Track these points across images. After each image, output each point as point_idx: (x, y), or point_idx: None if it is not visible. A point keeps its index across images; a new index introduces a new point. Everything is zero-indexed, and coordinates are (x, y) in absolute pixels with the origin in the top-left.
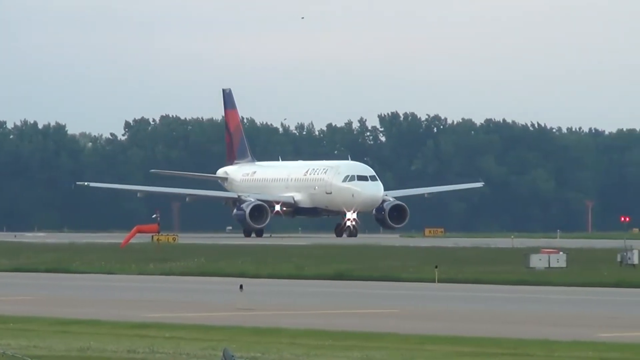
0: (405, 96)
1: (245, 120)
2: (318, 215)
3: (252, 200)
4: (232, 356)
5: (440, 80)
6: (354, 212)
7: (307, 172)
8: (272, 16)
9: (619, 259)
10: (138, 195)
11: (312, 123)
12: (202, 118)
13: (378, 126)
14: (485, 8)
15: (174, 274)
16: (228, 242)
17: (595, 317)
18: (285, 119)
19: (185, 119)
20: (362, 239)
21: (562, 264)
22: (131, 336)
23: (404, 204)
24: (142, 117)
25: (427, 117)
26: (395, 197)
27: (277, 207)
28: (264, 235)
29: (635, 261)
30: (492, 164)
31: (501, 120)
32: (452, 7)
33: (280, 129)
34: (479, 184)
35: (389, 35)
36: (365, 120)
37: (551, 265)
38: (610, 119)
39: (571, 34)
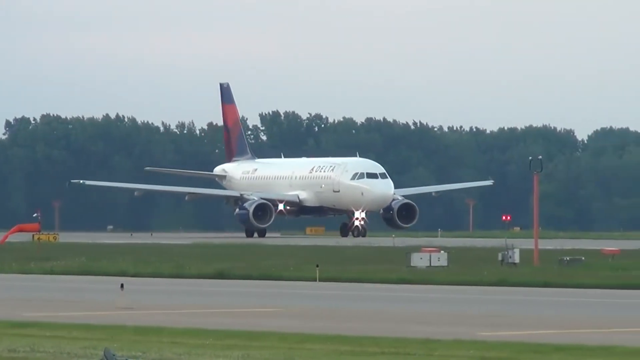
0: (286, 95)
1: (126, 120)
2: (324, 214)
3: (256, 198)
4: (113, 355)
5: (321, 79)
6: (362, 211)
7: (312, 169)
8: (138, 14)
9: (500, 258)
10: (135, 193)
11: (192, 122)
12: (83, 117)
13: (259, 125)
14: (365, 7)
15: (55, 273)
16: (110, 242)
17: (476, 316)
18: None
19: (67, 117)
20: (241, 238)
21: (443, 262)
22: (11, 335)
23: (413, 202)
24: (23, 116)
25: (308, 115)
26: (403, 196)
27: (281, 206)
28: (267, 235)
29: (516, 260)
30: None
31: (382, 119)
32: (330, 5)
33: (162, 128)
34: (489, 182)
35: (269, 34)
36: (247, 119)
37: (432, 264)
38: (491, 118)
39: (451, 33)
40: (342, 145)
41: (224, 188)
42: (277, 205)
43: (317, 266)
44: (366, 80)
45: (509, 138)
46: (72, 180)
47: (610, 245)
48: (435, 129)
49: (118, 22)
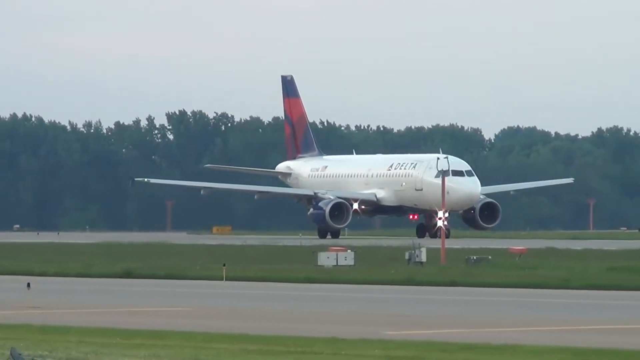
0: (193, 94)
1: (33, 119)
2: (403, 214)
3: (332, 197)
4: (20, 355)
5: (228, 78)
6: (446, 211)
7: (391, 166)
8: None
9: (407, 257)
10: (202, 192)
11: (99, 121)
12: None
13: (166, 124)
14: (273, 6)
15: None
16: (17, 241)
17: (383, 315)
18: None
19: None
20: (150, 237)
21: (350, 262)
22: None
23: (495, 201)
24: None
25: (215, 115)
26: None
27: (355, 206)
28: (340, 237)
29: (423, 259)
30: (280, 162)
31: None
32: (237, 4)
33: (69, 127)
34: (569, 180)
35: (176, 33)
36: (154, 118)
37: (339, 264)
38: (398, 118)
39: (356, 31)
40: (249, 144)
41: (287, 186)
42: (352, 205)
43: (224, 265)
44: (273, 79)
45: (416, 137)
46: (136, 179)
47: (517, 245)
48: (343, 128)
49: (16, 21)
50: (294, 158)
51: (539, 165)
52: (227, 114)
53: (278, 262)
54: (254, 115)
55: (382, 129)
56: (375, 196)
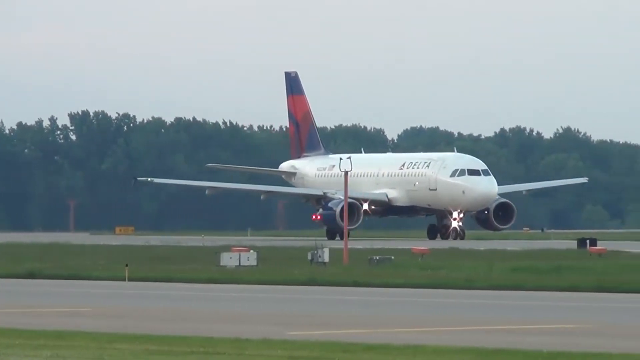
0: (95, 95)
1: None
2: (415, 214)
3: (342, 198)
4: None
5: (130, 77)
6: (461, 211)
7: (403, 165)
8: None
9: (309, 257)
10: (207, 192)
11: (2, 121)
12: None
13: (69, 125)
14: (167, 4)
15: None
16: None
17: (286, 315)
18: None
19: None
20: (53, 237)
21: (253, 262)
22: None
23: (510, 202)
24: None
25: (117, 115)
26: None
27: (365, 206)
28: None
29: (326, 259)
30: (182, 162)
31: (191, 119)
32: (139, 4)
33: None
34: (584, 180)
35: (78, 30)
36: (56, 118)
37: (242, 264)
38: None
39: (253, 32)
40: (151, 145)
41: (291, 186)
42: (361, 205)
43: (127, 266)
44: (176, 80)
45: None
46: (138, 178)
47: (420, 245)
48: (246, 129)
49: None
50: (298, 157)
51: None
52: (129, 115)
53: (181, 262)
54: (156, 116)
55: (284, 129)
56: (387, 196)
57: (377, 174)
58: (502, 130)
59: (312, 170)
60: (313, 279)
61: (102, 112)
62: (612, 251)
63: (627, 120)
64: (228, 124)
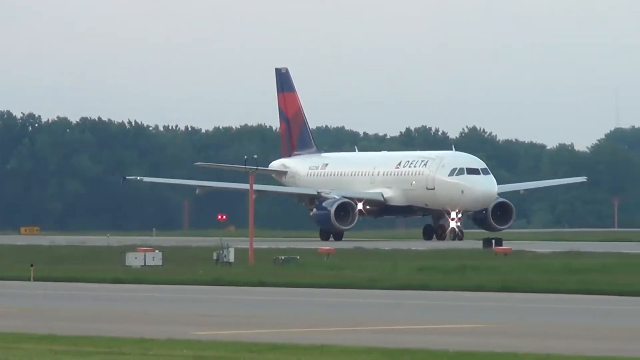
0: (0, 95)
1: None
2: (412, 214)
3: (336, 197)
4: None
5: (33, 77)
6: (459, 211)
7: (399, 164)
8: None
9: (215, 257)
10: (197, 191)
11: None
12: None
13: None
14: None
15: None
16: None
17: (191, 315)
18: None
19: None
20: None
21: (158, 262)
22: None
23: (508, 201)
24: None
25: (22, 115)
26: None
27: (360, 206)
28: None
29: (231, 259)
30: (87, 162)
31: (97, 119)
32: (57, 5)
33: None
34: (582, 179)
35: None
36: None
37: (147, 264)
38: (206, 117)
39: (168, 34)
40: (57, 145)
41: (281, 185)
42: (356, 205)
43: (32, 266)
44: (80, 80)
45: (224, 137)
46: (128, 177)
47: (325, 245)
48: (151, 128)
49: None
50: (289, 155)
51: None
52: (34, 114)
53: (87, 262)
54: (61, 116)
55: (190, 129)
56: (382, 196)
57: (372, 173)
58: (408, 129)
59: (304, 169)
60: (218, 279)
61: (7, 112)
62: (517, 251)
63: (532, 120)
64: (133, 123)
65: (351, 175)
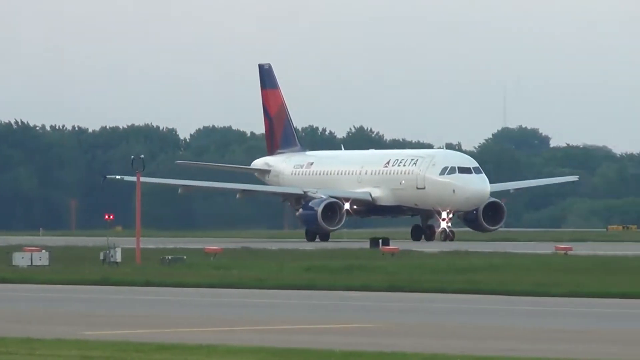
0: None
1: None
2: (401, 214)
3: (323, 197)
4: None
5: None
6: (450, 212)
7: (387, 163)
8: None
9: (102, 257)
10: (179, 191)
11: None
12: None
13: None
14: None
15: None
16: None
17: (78, 315)
18: None
19: None
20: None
21: (45, 262)
22: None
23: (500, 201)
24: None
25: None
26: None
27: (347, 206)
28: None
29: (118, 259)
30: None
31: None
32: None
33: None
34: (574, 178)
35: None
36: None
37: (34, 264)
38: (93, 117)
39: (91, 31)
40: None
41: (263, 184)
42: (343, 205)
43: None
44: None
45: (111, 137)
46: (108, 176)
47: (212, 244)
48: (38, 128)
49: None
50: (272, 154)
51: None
52: None
53: None
54: None
55: (77, 128)
56: (370, 195)
57: (359, 172)
58: (295, 129)
59: (288, 167)
60: (105, 278)
61: None
62: (404, 251)
63: (420, 120)
64: (20, 123)
65: (338, 174)
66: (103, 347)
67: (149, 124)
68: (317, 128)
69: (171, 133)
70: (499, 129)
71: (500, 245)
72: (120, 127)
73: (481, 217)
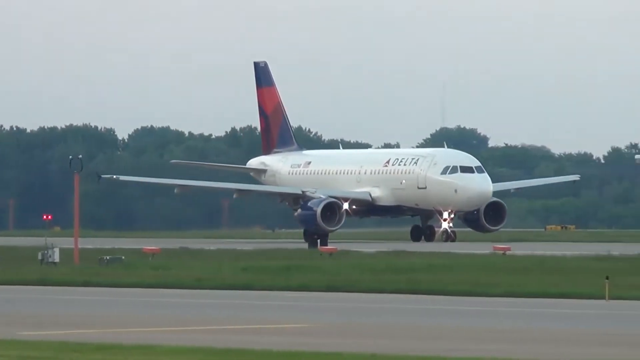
0: None
1: None
2: (401, 215)
3: (323, 196)
4: None
5: None
6: (451, 212)
7: (387, 162)
8: None
9: (40, 257)
10: (175, 191)
11: None
12: None
13: None
14: None
15: None
16: None
17: (16, 316)
18: None
19: None
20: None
21: None
22: None
23: (501, 201)
24: None
25: None
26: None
27: (346, 206)
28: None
29: (57, 259)
30: None
31: None
32: None
33: None
34: (576, 177)
35: None
36: None
37: None
38: (31, 117)
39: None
40: None
41: (260, 183)
42: (342, 205)
43: None
44: None
45: (49, 137)
46: (103, 176)
47: (151, 245)
48: None
49: None
50: (268, 153)
51: (172, 165)
52: None
53: None
54: None
55: (15, 129)
56: (370, 195)
57: (358, 172)
58: (234, 129)
59: (286, 167)
60: (43, 279)
61: None
62: (342, 251)
63: (359, 121)
64: None
65: (336, 173)
66: (41, 347)
67: (87, 124)
68: (255, 128)
69: (109, 133)
70: (437, 129)
71: (439, 245)
72: (59, 127)
73: (482, 217)
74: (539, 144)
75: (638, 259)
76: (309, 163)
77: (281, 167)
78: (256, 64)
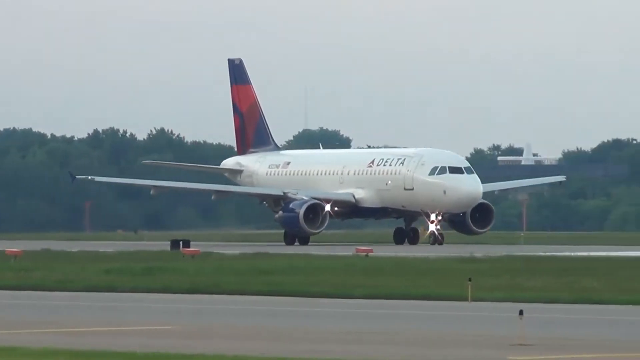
0: None
1: None
2: (386, 216)
3: (305, 198)
4: None
5: None
6: (439, 214)
7: (372, 162)
8: None
9: None
10: (151, 192)
11: None
12: None
13: None
14: None
15: None
16: None
17: None
18: None
19: None
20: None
21: None
22: None
23: (488, 202)
24: None
25: None
26: None
27: (328, 207)
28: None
29: None
30: None
31: None
32: None
33: None
34: (562, 178)
35: None
36: None
37: None
38: None
39: None
40: None
41: (235, 184)
42: (324, 206)
43: None
44: None
45: None
46: (77, 176)
47: (13, 246)
48: None
49: None
50: (243, 153)
51: (35, 166)
52: None
53: None
54: None
55: None
56: (353, 196)
57: (341, 172)
58: (96, 131)
59: (263, 167)
60: None
61: None
62: (205, 252)
63: (219, 122)
64: None
65: (317, 174)
66: None
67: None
68: (118, 130)
69: None
70: (300, 130)
71: (301, 248)
72: None
73: (469, 220)
74: (400, 146)
75: (500, 260)
76: (288, 163)
77: (258, 167)
78: (231, 61)
